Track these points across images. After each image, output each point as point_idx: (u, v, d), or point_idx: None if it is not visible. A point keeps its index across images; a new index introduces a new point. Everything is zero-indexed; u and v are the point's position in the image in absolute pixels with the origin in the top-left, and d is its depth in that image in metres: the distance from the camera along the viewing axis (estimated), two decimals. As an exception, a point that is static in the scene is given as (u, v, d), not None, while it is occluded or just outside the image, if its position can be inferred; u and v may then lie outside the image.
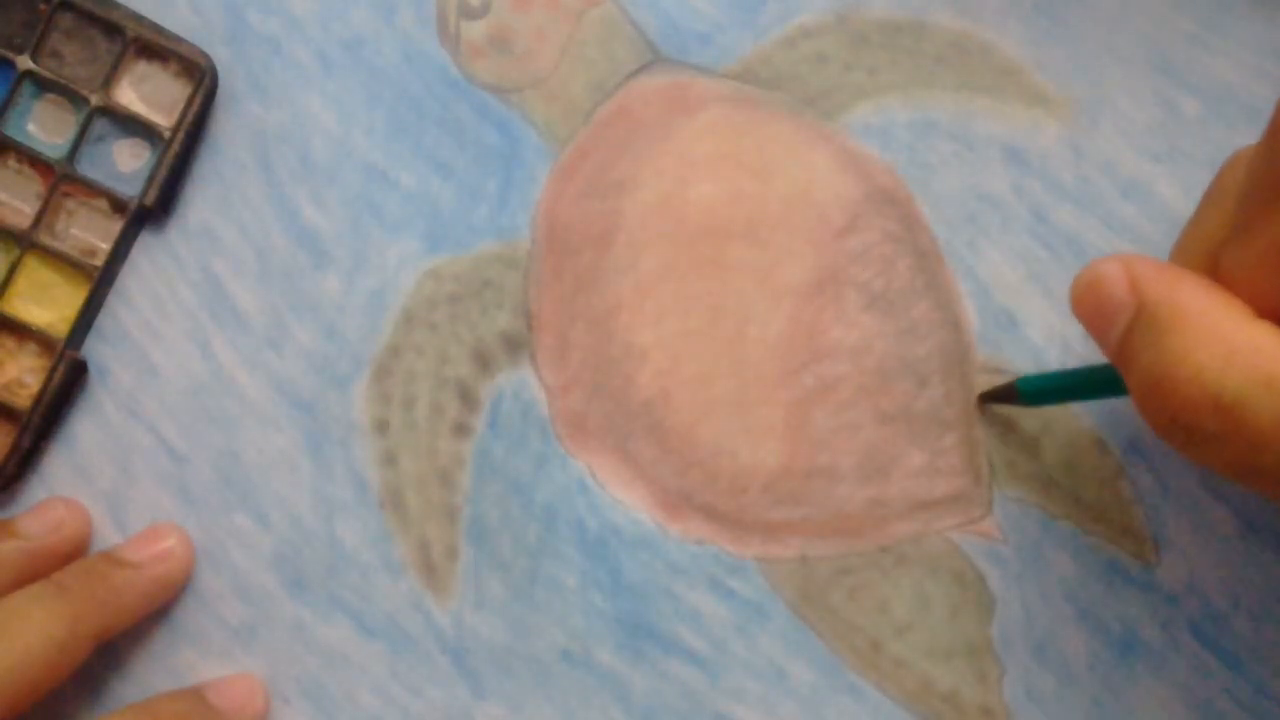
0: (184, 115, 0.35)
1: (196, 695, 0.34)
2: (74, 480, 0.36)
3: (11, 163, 0.36)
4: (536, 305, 0.35)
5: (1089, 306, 0.29)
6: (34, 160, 0.36)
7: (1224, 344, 0.25)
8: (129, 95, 0.36)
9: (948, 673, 0.34)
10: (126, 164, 0.36)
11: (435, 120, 0.36)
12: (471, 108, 0.36)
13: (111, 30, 0.36)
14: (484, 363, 0.35)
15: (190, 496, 0.36)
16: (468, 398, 0.35)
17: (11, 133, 0.36)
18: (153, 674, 0.35)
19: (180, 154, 0.36)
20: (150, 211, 0.36)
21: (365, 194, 0.36)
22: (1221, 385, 0.25)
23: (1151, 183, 0.35)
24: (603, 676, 0.35)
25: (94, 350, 0.36)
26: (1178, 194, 0.35)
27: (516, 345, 0.35)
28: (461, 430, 0.35)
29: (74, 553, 0.35)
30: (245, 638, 0.35)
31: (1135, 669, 0.34)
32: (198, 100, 0.35)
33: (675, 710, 0.35)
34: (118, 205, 0.36)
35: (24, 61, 0.36)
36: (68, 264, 0.36)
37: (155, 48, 0.36)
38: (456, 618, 0.35)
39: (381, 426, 0.36)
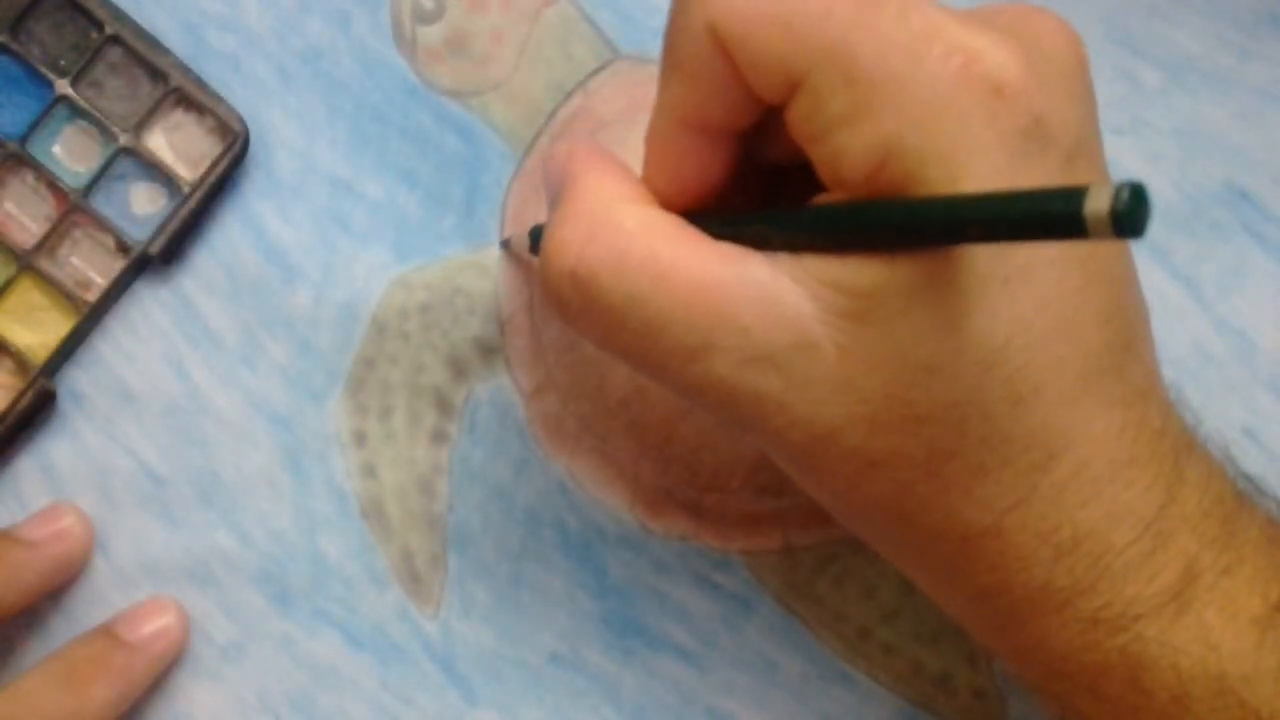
0: (208, 172, 0.36)
1: (107, 633, 0.34)
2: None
3: (30, 180, 0.36)
4: (508, 310, 0.35)
5: (544, 184, 0.30)
6: (51, 183, 0.36)
7: (591, 220, 0.25)
8: (159, 141, 0.36)
9: (937, 656, 0.34)
10: (141, 207, 0.36)
11: (397, 129, 0.36)
12: (432, 114, 0.36)
13: (156, 75, 0.36)
14: (459, 370, 0.35)
15: (171, 517, 0.36)
16: (444, 405, 0.35)
17: (36, 152, 0.36)
18: (143, 696, 0.35)
19: (196, 210, 0.36)
20: (153, 259, 0.36)
21: (331, 206, 0.36)
22: (578, 260, 0.25)
23: (1117, 156, 0.34)
24: (593, 677, 0.35)
25: (71, 376, 0.36)
26: (1143, 166, 0.35)
27: (490, 351, 0.35)
28: (439, 438, 0.35)
29: (77, 559, 0.35)
30: (234, 655, 0.35)
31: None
32: (225, 161, 0.35)
33: (667, 707, 0.35)
34: (123, 246, 0.36)
35: (63, 85, 0.36)
36: (61, 293, 0.36)
37: (195, 101, 0.36)
38: (444, 626, 0.35)
39: (359, 438, 0.35)
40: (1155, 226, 0.35)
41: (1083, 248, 0.25)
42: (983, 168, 0.23)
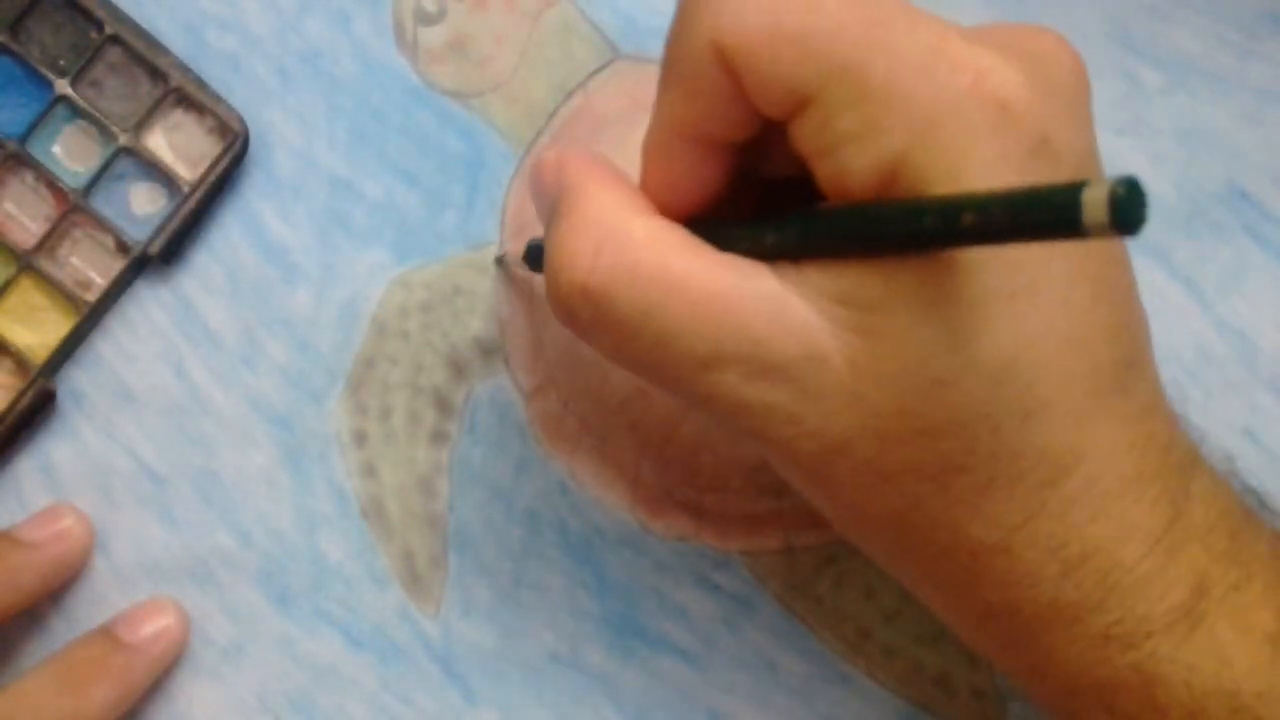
0: (208, 172, 0.35)
1: (107, 634, 0.34)
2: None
3: (29, 180, 0.36)
4: (508, 309, 0.35)
5: (532, 192, 0.29)
6: (51, 183, 0.36)
7: (599, 231, 0.25)
8: (158, 141, 0.36)
9: (938, 656, 0.34)
10: (141, 206, 0.36)
11: (397, 129, 0.36)
12: (433, 114, 0.36)
13: (156, 75, 0.36)
14: (459, 369, 0.35)
15: (171, 517, 0.36)
16: (444, 405, 0.35)
17: (35, 152, 0.36)
18: (143, 696, 0.35)
19: (196, 209, 0.36)
20: (152, 259, 0.36)
21: (331, 206, 0.36)
22: (590, 273, 0.25)
23: (1117, 156, 0.35)
24: (593, 677, 0.35)
25: (71, 376, 0.36)
26: (1144, 166, 0.35)
27: (490, 350, 0.35)
28: (439, 438, 0.35)
29: (77, 560, 0.35)
30: (234, 655, 0.35)
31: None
32: (225, 161, 0.35)
33: (667, 707, 0.35)
34: (123, 246, 0.36)
35: (63, 85, 0.36)
36: (61, 293, 0.36)
37: (195, 101, 0.36)
38: (444, 625, 0.35)
39: (359, 438, 0.35)
40: (1155, 226, 0.35)
41: (1091, 264, 0.25)
42: (990, 186, 0.23)
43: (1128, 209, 0.19)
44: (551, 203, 0.27)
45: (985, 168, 0.23)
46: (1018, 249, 0.24)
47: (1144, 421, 0.26)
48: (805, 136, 0.24)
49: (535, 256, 0.32)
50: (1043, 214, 0.20)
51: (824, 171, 0.24)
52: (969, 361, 0.24)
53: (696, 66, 0.25)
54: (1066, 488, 0.25)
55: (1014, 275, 0.24)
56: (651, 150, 0.26)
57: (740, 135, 0.26)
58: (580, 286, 0.25)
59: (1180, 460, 0.26)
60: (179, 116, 0.36)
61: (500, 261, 0.35)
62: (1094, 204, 0.19)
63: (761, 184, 0.28)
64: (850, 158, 0.23)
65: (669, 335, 0.25)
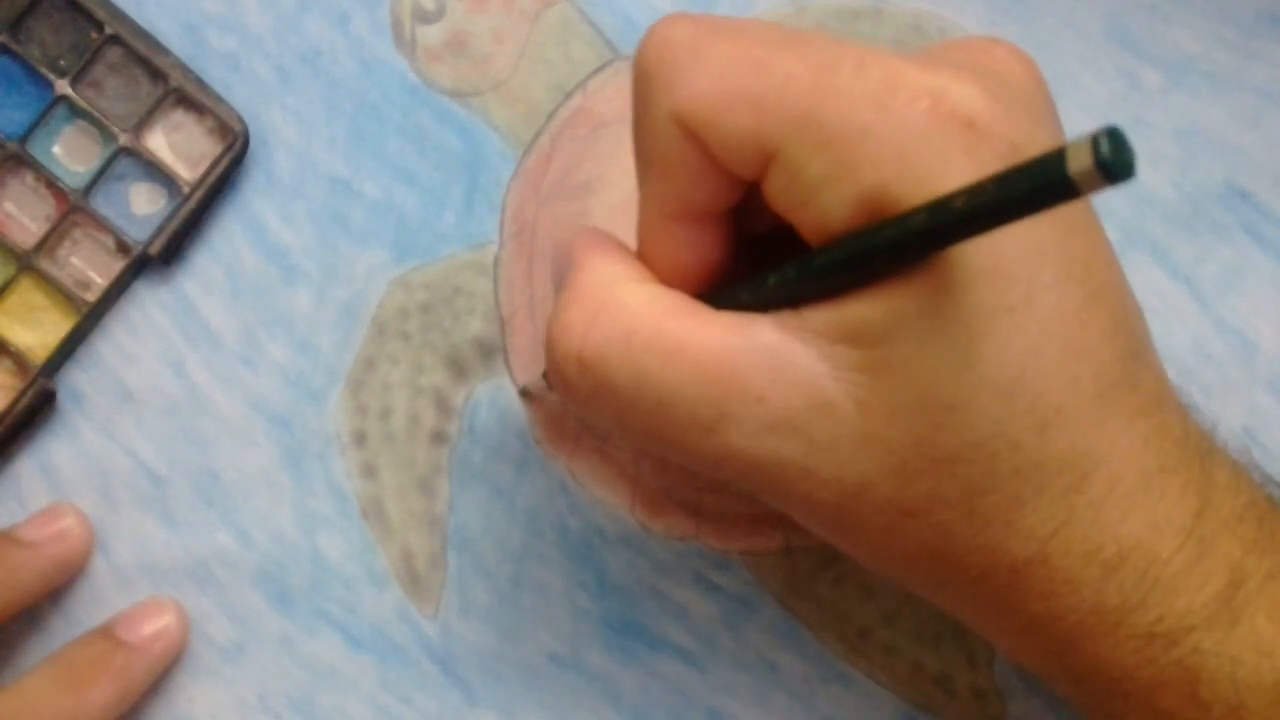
0: (208, 173, 0.35)
1: (107, 634, 0.34)
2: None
3: (29, 180, 0.36)
4: (509, 309, 0.35)
5: (551, 271, 0.30)
6: (51, 183, 0.36)
7: (594, 301, 0.25)
8: (159, 141, 0.36)
9: (937, 656, 0.34)
10: (141, 207, 0.36)
11: (396, 128, 0.36)
12: (431, 114, 0.36)
13: (156, 75, 0.36)
14: (459, 370, 0.35)
15: (171, 517, 0.36)
16: (444, 405, 0.35)
17: (36, 152, 0.36)
18: (143, 696, 0.35)
19: (196, 210, 0.36)
20: (152, 259, 0.36)
21: (331, 206, 0.36)
22: (584, 343, 0.25)
23: (1117, 156, 0.35)
24: (593, 678, 0.35)
25: (71, 376, 0.36)
26: (1143, 166, 0.35)
27: (490, 350, 0.35)
28: (439, 438, 0.35)
29: (77, 560, 0.35)
30: (234, 655, 0.35)
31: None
32: (225, 161, 0.35)
33: (667, 708, 0.35)
34: (123, 246, 0.36)
35: (63, 86, 0.36)
36: (61, 293, 0.36)
37: (195, 101, 0.36)
38: (444, 626, 0.35)
39: (359, 438, 0.35)
40: (1154, 226, 0.35)
41: (1078, 267, 0.25)
42: None
43: (1111, 151, 0.19)
44: (560, 279, 0.27)
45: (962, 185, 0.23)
46: (1009, 257, 0.24)
47: (1156, 413, 0.26)
48: (778, 191, 0.24)
49: None
50: (1030, 178, 0.20)
51: (805, 222, 0.24)
52: (978, 381, 0.24)
53: (664, 143, 0.25)
54: (1092, 490, 0.25)
55: (1010, 289, 0.24)
56: (645, 235, 0.27)
57: (724, 202, 0.26)
58: (575, 356, 0.25)
59: (1199, 448, 0.26)
60: (179, 116, 0.36)
61: (525, 393, 0.35)
62: (1078, 153, 0.19)
63: (761, 241, 0.28)
64: (826, 203, 0.24)
65: (669, 400, 0.25)
